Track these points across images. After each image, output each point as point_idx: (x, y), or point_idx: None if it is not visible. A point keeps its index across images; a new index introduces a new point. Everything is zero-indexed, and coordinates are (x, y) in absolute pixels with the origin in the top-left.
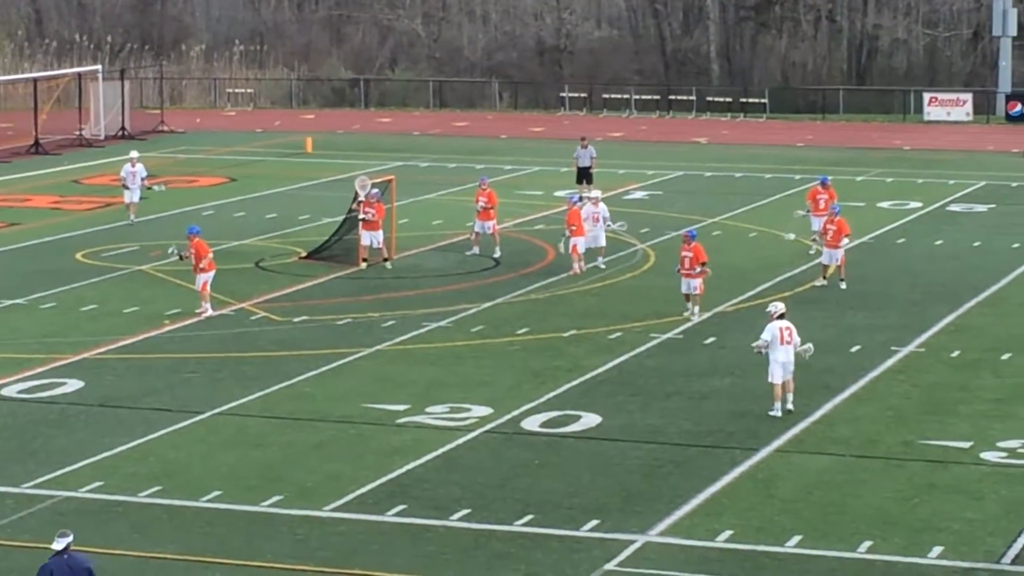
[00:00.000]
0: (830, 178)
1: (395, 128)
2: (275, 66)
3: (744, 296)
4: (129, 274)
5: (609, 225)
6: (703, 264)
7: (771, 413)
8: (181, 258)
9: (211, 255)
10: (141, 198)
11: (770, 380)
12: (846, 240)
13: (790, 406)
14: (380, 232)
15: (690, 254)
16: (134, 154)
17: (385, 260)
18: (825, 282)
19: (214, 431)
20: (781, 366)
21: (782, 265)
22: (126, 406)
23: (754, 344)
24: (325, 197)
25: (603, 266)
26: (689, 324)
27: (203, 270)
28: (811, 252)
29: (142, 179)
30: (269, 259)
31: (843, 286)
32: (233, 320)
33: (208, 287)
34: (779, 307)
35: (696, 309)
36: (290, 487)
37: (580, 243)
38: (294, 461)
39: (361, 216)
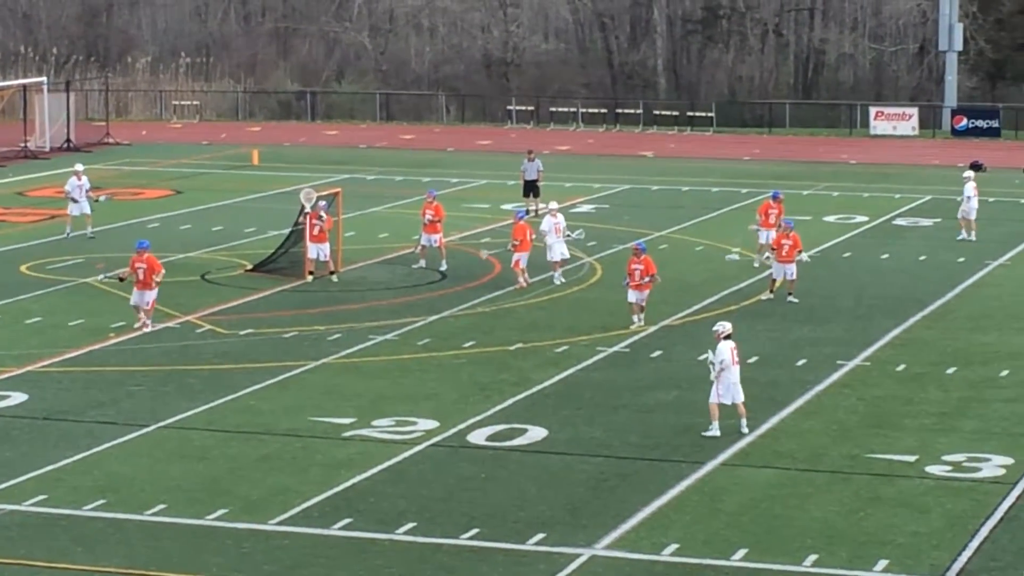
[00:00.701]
0: (782, 193)
1: (342, 141)
2: (221, 78)
3: (691, 310)
4: (74, 287)
5: (568, 235)
6: (652, 276)
7: (707, 434)
8: (121, 280)
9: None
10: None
11: (717, 401)
12: (802, 255)
13: (744, 429)
14: (327, 245)
15: (640, 267)
16: (79, 167)
17: (332, 273)
18: (771, 296)
19: (159, 444)
20: (732, 386)
21: (728, 279)
22: (71, 419)
23: (712, 375)
24: (271, 210)
25: (561, 280)
26: (636, 337)
27: (157, 284)
28: (755, 265)
29: (86, 191)
30: (215, 272)
31: (794, 300)
32: (179, 333)
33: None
34: (727, 327)
35: (642, 318)
36: (235, 500)
37: (523, 258)
38: (239, 474)
39: (302, 225)
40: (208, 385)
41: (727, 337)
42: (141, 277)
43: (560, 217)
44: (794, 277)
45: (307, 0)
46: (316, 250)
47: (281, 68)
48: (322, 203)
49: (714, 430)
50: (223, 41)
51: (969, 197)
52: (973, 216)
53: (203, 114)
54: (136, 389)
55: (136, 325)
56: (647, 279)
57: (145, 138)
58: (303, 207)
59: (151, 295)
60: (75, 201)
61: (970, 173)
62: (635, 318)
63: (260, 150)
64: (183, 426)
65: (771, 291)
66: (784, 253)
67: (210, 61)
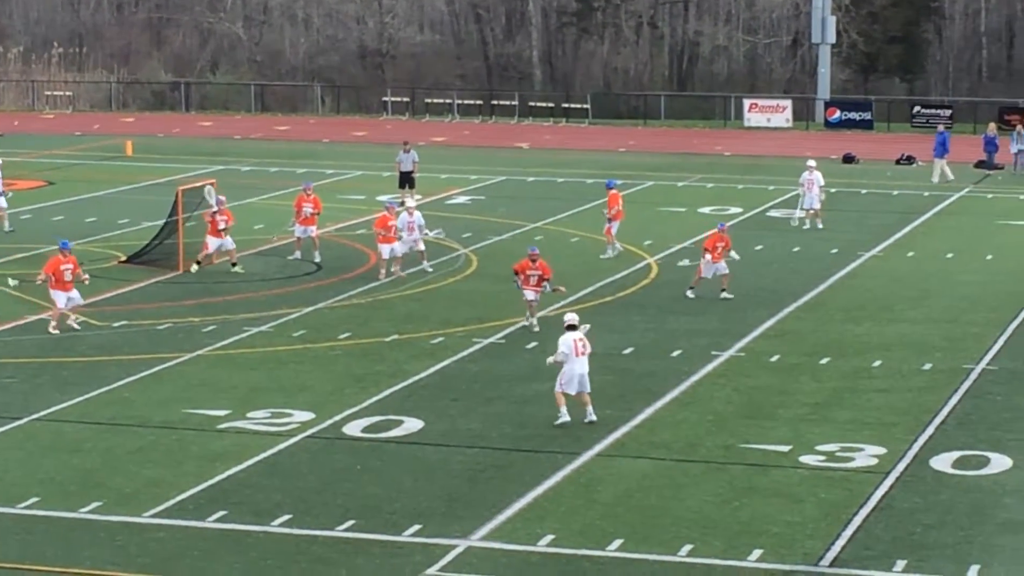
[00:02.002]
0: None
1: (216, 132)
2: (94, 69)
3: (567, 301)
4: None
5: (426, 233)
6: (548, 280)
7: (557, 422)
8: (39, 282)
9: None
10: None
11: (560, 390)
12: (732, 254)
13: (593, 417)
14: (228, 238)
15: (538, 272)
16: None
17: (233, 265)
18: (693, 292)
19: (32, 437)
20: (578, 377)
21: (604, 270)
22: None
23: (549, 359)
24: (145, 201)
25: (429, 269)
26: (511, 329)
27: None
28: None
29: None
30: (88, 263)
31: (729, 296)
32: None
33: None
34: (572, 318)
35: (535, 320)
36: (109, 493)
37: (386, 250)
38: (113, 467)
39: (214, 220)
40: (82, 377)
41: (571, 327)
42: (69, 278)
43: (417, 215)
44: (727, 272)
45: None
46: (219, 243)
47: (155, 58)
48: (221, 197)
49: (563, 416)
50: (96, 31)
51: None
52: (818, 206)
53: (76, 105)
54: (9, 381)
55: (74, 322)
56: (546, 288)
57: (17, 129)
58: (206, 201)
59: (77, 294)
60: (1, 194)
61: (812, 163)
62: (529, 316)
63: (134, 141)
64: (56, 419)
65: (692, 287)
66: (717, 253)
67: (83, 51)
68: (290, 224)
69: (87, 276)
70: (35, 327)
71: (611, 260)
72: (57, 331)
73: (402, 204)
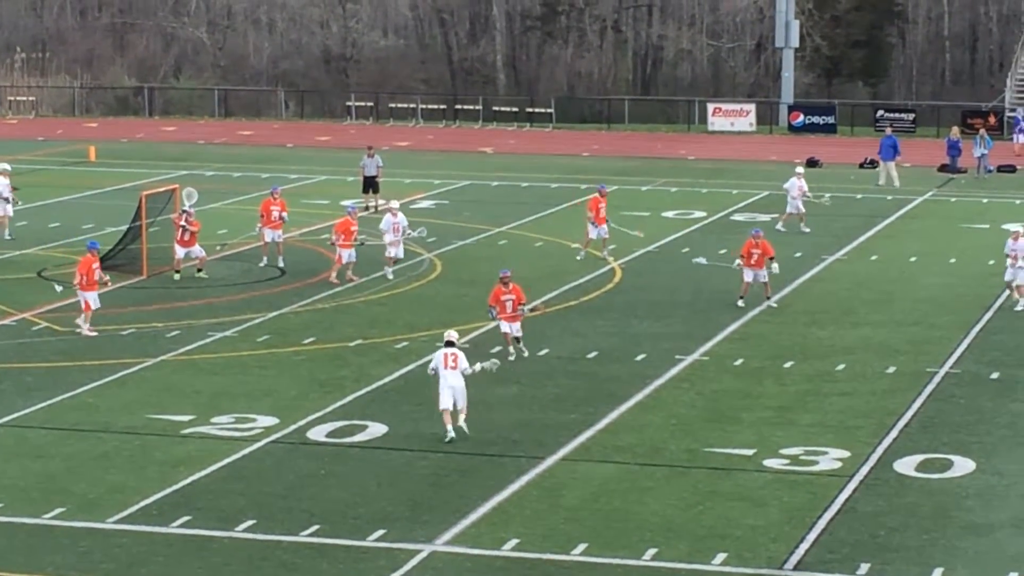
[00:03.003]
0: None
1: (180, 137)
2: (57, 73)
3: (530, 305)
4: None
5: (410, 233)
6: (523, 304)
7: (446, 440)
8: (76, 285)
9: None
10: None
11: (441, 407)
12: (774, 265)
13: (463, 424)
14: (196, 245)
15: (511, 297)
16: (6, 166)
17: (199, 271)
18: (742, 303)
19: None
20: (449, 390)
21: (568, 274)
22: None
23: (429, 369)
24: (108, 206)
25: (391, 276)
26: (475, 334)
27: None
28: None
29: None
30: (52, 269)
31: (773, 304)
32: (15, 330)
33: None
34: (451, 335)
35: (523, 348)
36: (73, 499)
37: (345, 254)
38: (77, 472)
39: (183, 226)
40: (45, 383)
41: (448, 344)
42: (97, 278)
43: (401, 216)
44: (766, 280)
45: None
46: (186, 251)
47: (118, 63)
48: (189, 203)
49: (449, 432)
50: (59, 36)
51: (793, 196)
52: (803, 210)
53: (39, 110)
54: None
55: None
56: (521, 309)
57: None
58: (183, 202)
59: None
60: (8, 201)
61: (800, 170)
62: (512, 350)
63: (97, 146)
64: (20, 424)
65: (742, 296)
66: (753, 261)
67: (46, 56)
68: (255, 229)
69: (108, 278)
70: None
71: (577, 265)
72: (94, 332)
73: (367, 208)
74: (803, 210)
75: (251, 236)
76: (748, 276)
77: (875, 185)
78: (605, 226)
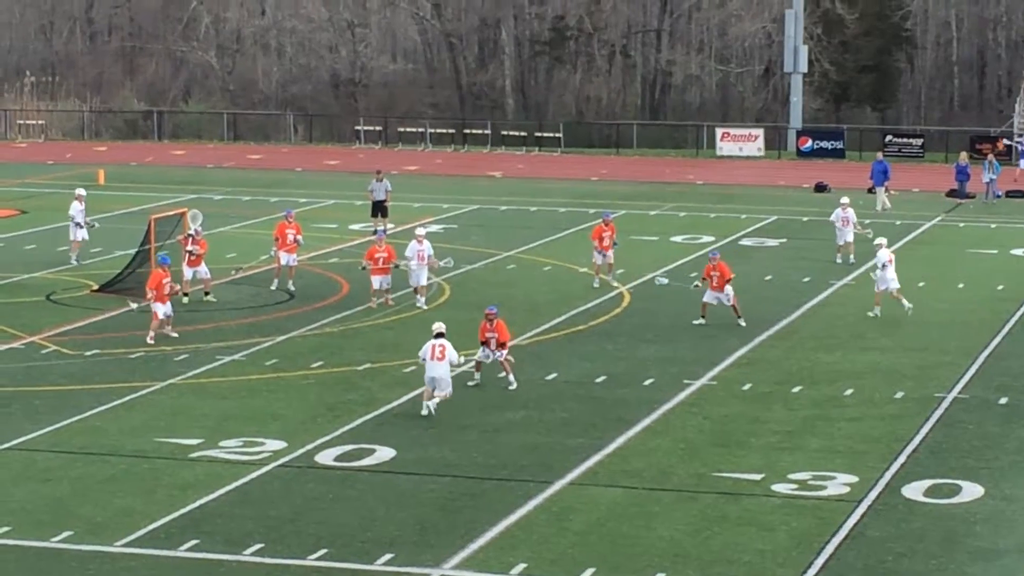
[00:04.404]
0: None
1: (189, 160)
2: (67, 97)
3: (539, 329)
4: None
5: (437, 264)
6: (504, 345)
7: (423, 413)
8: (149, 299)
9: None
10: None
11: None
12: (728, 288)
13: (430, 408)
14: (203, 266)
15: (495, 335)
16: (81, 191)
17: (207, 294)
18: (703, 320)
19: (3, 466)
20: (430, 380)
21: (576, 299)
22: None
23: (420, 356)
24: (117, 230)
25: (422, 306)
26: (481, 355)
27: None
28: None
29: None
30: (60, 292)
31: (742, 323)
32: (24, 354)
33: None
34: (438, 326)
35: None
36: (80, 522)
37: (376, 281)
38: (85, 496)
39: (189, 251)
40: (53, 406)
41: (438, 335)
42: (168, 291)
43: (427, 244)
44: (731, 303)
45: (153, 19)
46: (192, 272)
47: (128, 87)
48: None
49: (424, 408)
50: (68, 60)
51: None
52: (851, 239)
53: (48, 133)
54: None
55: (171, 333)
56: (501, 354)
57: None
58: (187, 226)
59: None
60: (80, 226)
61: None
62: (508, 376)
63: (106, 170)
64: (28, 447)
65: (703, 315)
66: (714, 283)
67: (56, 80)
68: (271, 252)
69: (179, 287)
70: (6, 356)
71: (585, 289)
72: (152, 340)
73: (375, 231)
74: (850, 240)
75: (266, 260)
76: (708, 297)
77: (875, 211)
78: (611, 252)
